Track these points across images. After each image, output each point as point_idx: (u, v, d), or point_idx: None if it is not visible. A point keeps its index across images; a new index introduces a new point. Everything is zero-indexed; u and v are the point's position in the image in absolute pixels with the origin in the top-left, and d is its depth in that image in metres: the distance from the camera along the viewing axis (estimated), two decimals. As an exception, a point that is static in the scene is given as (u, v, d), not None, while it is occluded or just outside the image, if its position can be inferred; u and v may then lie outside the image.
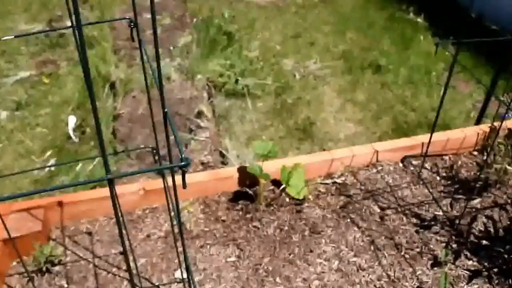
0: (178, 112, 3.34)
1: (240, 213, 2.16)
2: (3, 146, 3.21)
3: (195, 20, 4.61)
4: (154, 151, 1.40)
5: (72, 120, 3.39)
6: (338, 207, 2.17)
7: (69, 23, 4.78)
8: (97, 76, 3.70)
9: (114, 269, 1.92)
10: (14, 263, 1.93)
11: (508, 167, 2.10)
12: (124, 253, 1.85)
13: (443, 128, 3.51)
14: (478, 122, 2.96)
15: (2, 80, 3.84)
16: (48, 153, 3.13)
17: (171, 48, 4.05)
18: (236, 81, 3.61)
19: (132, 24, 1.13)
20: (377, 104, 3.71)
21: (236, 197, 2.23)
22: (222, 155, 3.10)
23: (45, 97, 3.67)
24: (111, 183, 0.73)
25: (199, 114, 3.32)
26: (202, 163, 3.00)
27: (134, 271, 1.84)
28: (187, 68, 3.71)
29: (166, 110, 0.83)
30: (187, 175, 2.57)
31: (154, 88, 3.64)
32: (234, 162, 3.02)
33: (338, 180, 2.30)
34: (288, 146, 3.27)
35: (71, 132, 3.29)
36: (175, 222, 2.18)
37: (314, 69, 4.02)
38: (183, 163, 0.75)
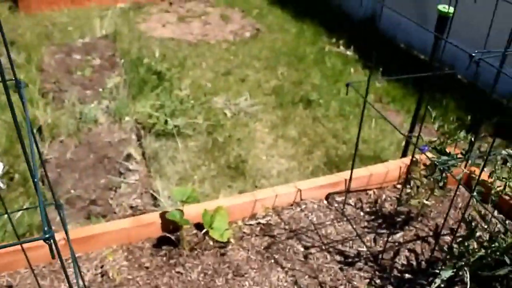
0: (106, 156, 3.28)
1: (164, 258, 2.12)
2: None
3: (122, 60, 4.58)
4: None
5: (-1, 167, 3.27)
6: (262, 248, 2.16)
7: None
8: (23, 120, 3.60)
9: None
10: None
11: (425, 202, 2.14)
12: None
13: (375, 159, 3.58)
14: (404, 154, 3.02)
15: None
16: (-28, 202, 3.00)
17: (100, 90, 4.00)
18: (166, 121, 3.59)
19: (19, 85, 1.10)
20: (309, 139, 3.76)
21: (160, 242, 2.19)
22: (153, 197, 3.06)
23: (-30, 144, 3.55)
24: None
25: (128, 157, 3.27)
26: (131, 207, 2.95)
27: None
28: (115, 110, 3.66)
29: (36, 179, 0.81)
30: (111, 222, 2.49)
31: (81, 133, 3.58)
32: (165, 203, 2.98)
33: (262, 221, 2.29)
34: (220, 185, 3.25)
35: (-3, 179, 3.17)
36: (98, 271, 2.12)
37: (245, 106, 4.04)
38: (46, 235, 0.73)
